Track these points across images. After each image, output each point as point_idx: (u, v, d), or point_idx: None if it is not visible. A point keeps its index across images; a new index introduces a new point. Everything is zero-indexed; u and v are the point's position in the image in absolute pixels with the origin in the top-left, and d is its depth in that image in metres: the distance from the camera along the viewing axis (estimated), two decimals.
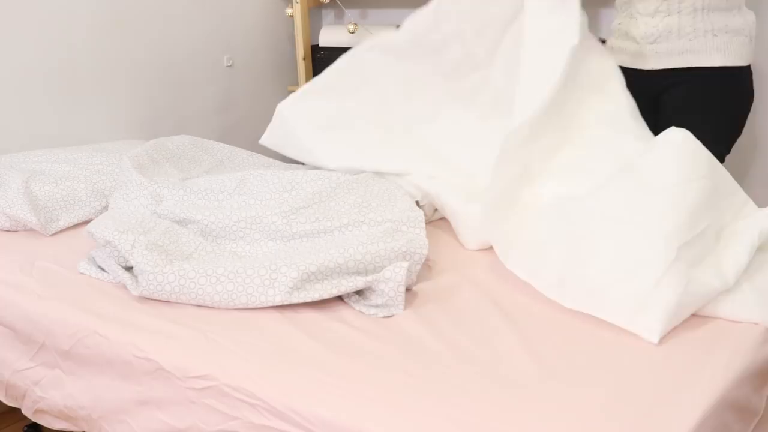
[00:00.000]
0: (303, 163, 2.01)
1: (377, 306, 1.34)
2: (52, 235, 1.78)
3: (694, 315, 1.27)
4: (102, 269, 1.52)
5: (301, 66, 2.97)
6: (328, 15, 3.23)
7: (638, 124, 1.68)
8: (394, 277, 1.33)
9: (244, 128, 2.98)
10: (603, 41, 1.96)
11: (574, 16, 1.65)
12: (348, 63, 1.98)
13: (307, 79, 2.98)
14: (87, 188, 1.89)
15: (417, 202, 1.72)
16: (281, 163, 2.13)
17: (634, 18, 1.90)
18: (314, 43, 3.02)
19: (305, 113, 1.97)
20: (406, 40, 1.93)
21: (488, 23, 1.84)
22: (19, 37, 2.22)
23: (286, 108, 1.99)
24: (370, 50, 1.97)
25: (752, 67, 1.90)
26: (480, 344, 1.21)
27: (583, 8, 1.68)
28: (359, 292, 1.38)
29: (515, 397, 1.06)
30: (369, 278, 1.35)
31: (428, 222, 1.74)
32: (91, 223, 1.56)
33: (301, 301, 1.33)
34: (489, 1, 1.83)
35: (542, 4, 1.70)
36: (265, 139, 2.03)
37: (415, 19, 1.91)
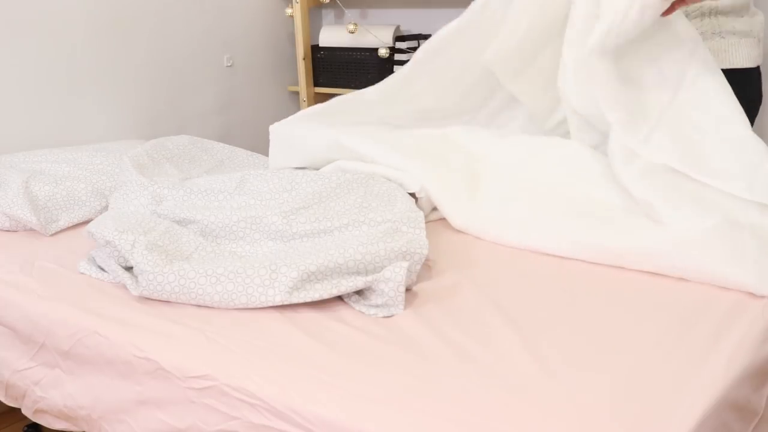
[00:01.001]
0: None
1: (377, 306, 1.34)
2: (52, 235, 1.78)
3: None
4: (102, 269, 1.52)
5: (301, 66, 2.97)
6: (328, 15, 3.23)
7: None
8: (394, 277, 1.33)
9: (244, 128, 2.98)
10: None
11: None
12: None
13: (308, 79, 2.99)
14: (87, 188, 1.89)
15: (414, 195, 1.72)
16: None
17: None
18: (314, 43, 3.02)
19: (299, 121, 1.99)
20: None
21: None
22: (19, 37, 2.23)
23: (278, 127, 2.00)
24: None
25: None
26: (480, 344, 1.21)
27: None
28: (359, 292, 1.38)
29: (515, 397, 1.06)
30: (369, 278, 1.35)
31: (427, 220, 1.74)
32: (91, 223, 1.56)
33: (301, 301, 1.33)
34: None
35: None
36: (274, 162, 2.02)
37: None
